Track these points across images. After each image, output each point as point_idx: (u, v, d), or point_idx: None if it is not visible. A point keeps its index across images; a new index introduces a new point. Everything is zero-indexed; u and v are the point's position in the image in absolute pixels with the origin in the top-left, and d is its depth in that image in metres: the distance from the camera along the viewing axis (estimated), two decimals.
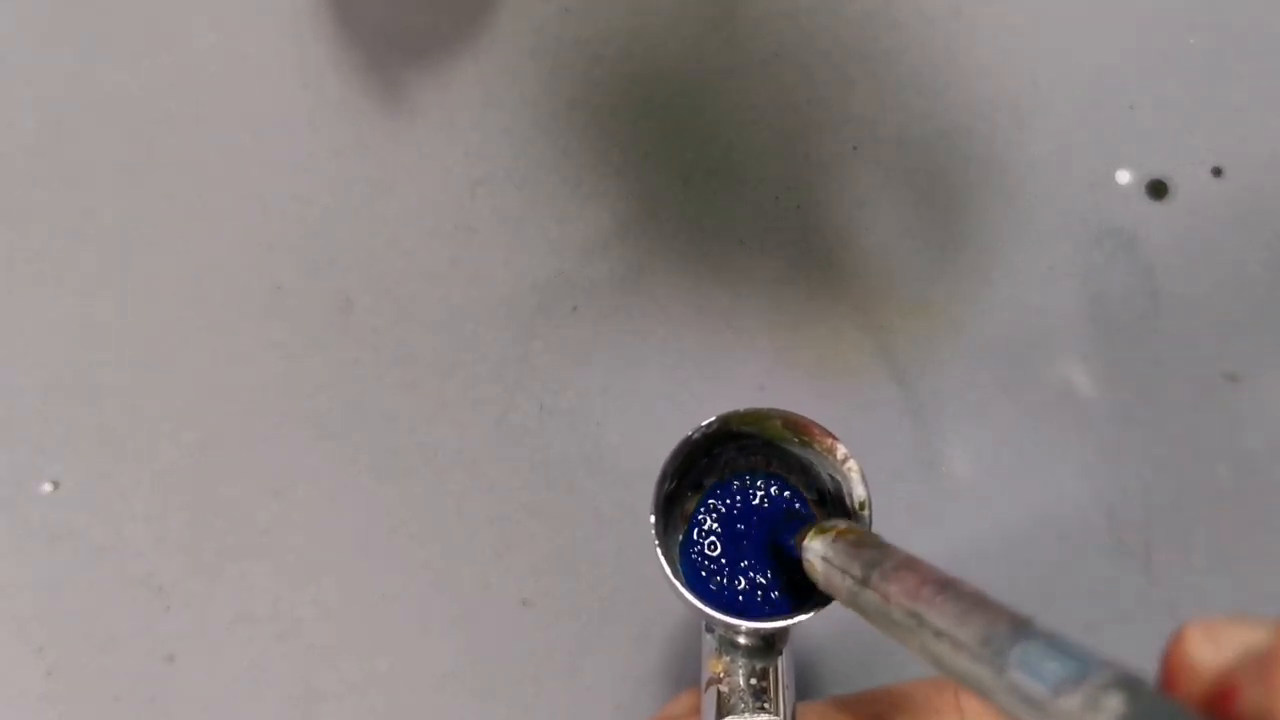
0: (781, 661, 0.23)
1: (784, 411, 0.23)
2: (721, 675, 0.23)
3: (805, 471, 0.24)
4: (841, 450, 0.23)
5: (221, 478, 0.34)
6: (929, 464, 0.34)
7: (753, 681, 0.23)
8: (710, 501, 0.24)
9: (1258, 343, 0.35)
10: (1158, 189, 0.36)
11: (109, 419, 0.35)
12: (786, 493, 0.24)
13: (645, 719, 0.29)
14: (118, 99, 0.37)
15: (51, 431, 0.34)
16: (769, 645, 0.23)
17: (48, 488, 0.34)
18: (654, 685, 0.33)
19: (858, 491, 0.22)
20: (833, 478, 0.23)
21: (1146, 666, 0.17)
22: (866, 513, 0.22)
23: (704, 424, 0.22)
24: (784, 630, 0.23)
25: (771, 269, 0.36)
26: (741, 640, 0.23)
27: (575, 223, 0.36)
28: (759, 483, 0.24)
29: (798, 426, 0.23)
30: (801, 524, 0.23)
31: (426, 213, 0.36)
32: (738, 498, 0.24)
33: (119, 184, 0.36)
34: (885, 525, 0.34)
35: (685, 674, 0.33)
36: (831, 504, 0.24)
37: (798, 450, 0.24)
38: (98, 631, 0.33)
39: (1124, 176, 0.36)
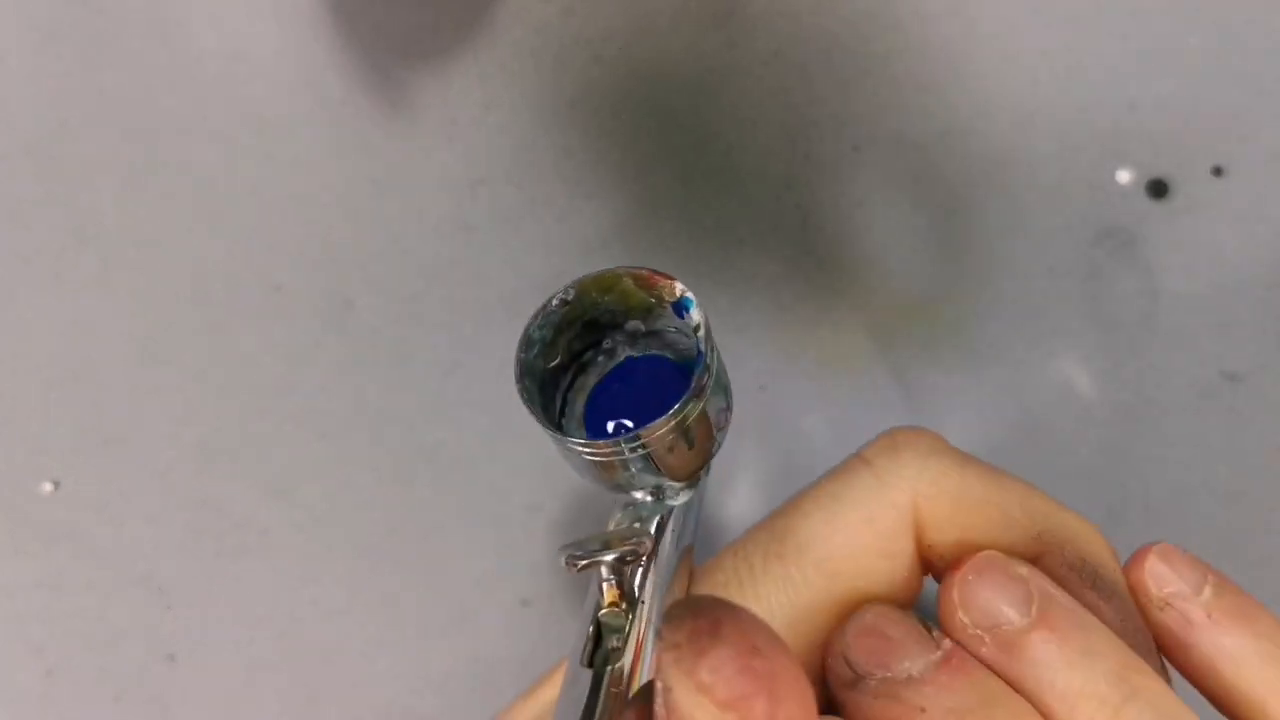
0: (675, 516, 0.24)
1: (630, 267, 0.23)
2: (612, 528, 0.24)
3: (689, 353, 0.25)
4: (679, 287, 0.23)
5: (221, 478, 0.34)
6: None
7: (635, 525, 0.23)
8: (604, 390, 0.25)
9: (1258, 343, 0.35)
10: (1158, 189, 0.36)
11: (109, 419, 0.35)
12: (672, 372, 0.25)
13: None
14: (118, 99, 0.37)
15: (51, 431, 0.34)
16: (657, 495, 0.24)
17: (48, 488, 0.34)
18: None
19: (694, 318, 0.23)
20: (678, 330, 0.24)
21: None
22: (701, 332, 0.23)
23: (561, 290, 0.23)
24: (640, 451, 0.23)
25: (771, 269, 0.36)
26: (635, 494, 0.24)
27: (575, 223, 0.36)
28: (642, 368, 0.25)
29: (644, 281, 0.23)
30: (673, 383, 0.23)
31: (426, 213, 0.36)
32: (627, 385, 0.25)
33: (119, 184, 0.36)
34: None
35: None
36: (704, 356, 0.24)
37: (667, 325, 0.24)
38: (98, 631, 0.33)
39: (1124, 176, 0.36)
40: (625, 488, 0.24)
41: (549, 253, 0.36)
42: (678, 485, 0.24)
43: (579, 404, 0.25)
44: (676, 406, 0.22)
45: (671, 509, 0.24)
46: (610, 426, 0.24)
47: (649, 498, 0.24)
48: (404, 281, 0.36)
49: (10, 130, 0.37)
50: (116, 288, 0.36)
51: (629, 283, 0.23)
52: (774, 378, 0.35)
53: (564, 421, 0.24)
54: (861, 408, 0.35)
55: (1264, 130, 0.36)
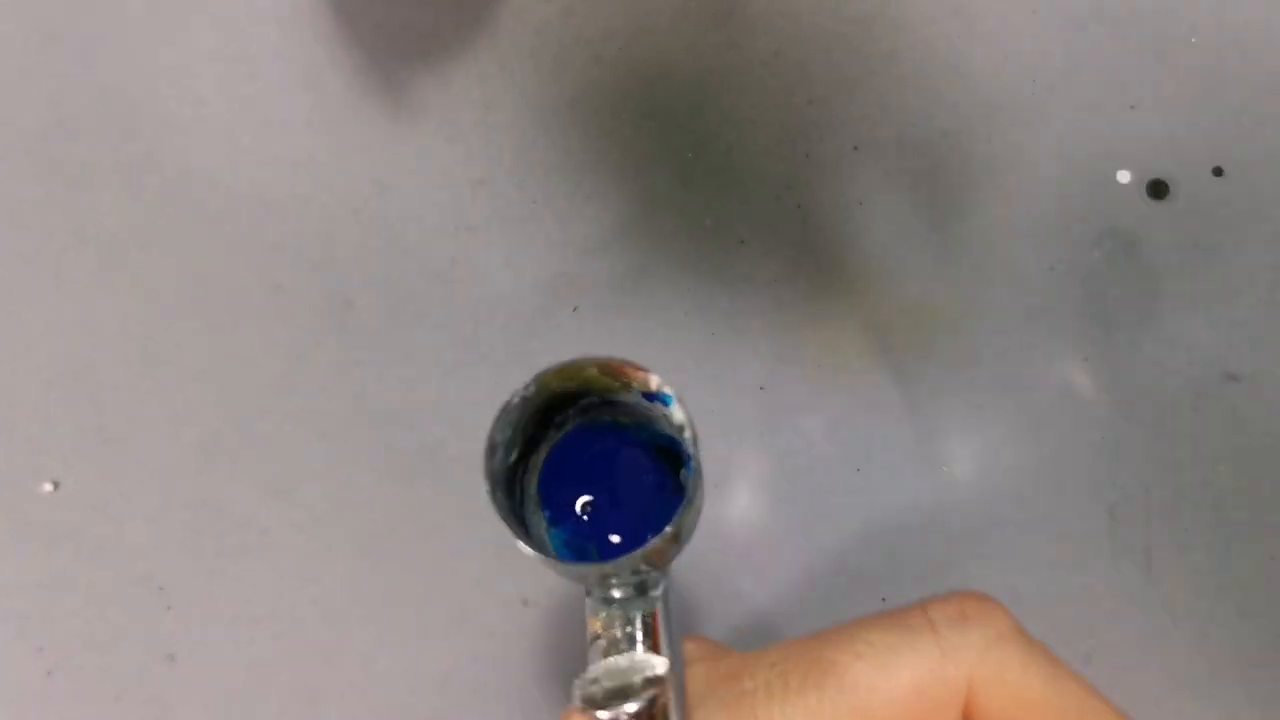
0: (660, 605, 0.23)
1: (596, 358, 0.22)
2: (600, 631, 0.23)
3: (647, 419, 0.24)
4: (655, 380, 0.22)
5: (221, 478, 0.34)
6: (929, 464, 0.34)
7: (628, 629, 0.22)
8: (556, 464, 0.24)
9: (1258, 343, 0.35)
10: (1158, 189, 0.36)
11: (109, 419, 0.35)
12: (627, 438, 0.24)
13: None
14: (118, 99, 0.37)
15: (51, 431, 0.34)
16: (640, 590, 0.23)
17: (48, 488, 0.34)
18: None
19: (675, 416, 0.22)
20: (665, 416, 0.23)
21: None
22: (688, 434, 0.22)
23: (522, 387, 0.22)
24: (637, 566, 0.22)
25: (771, 269, 0.36)
26: (615, 593, 0.23)
27: (575, 223, 0.36)
28: (596, 436, 0.24)
29: (612, 370, 0.22)
30: (649, 458, 0.22)
31: (427, 213, 0.36)
32: (581, 455, 0.24)
33: (119, 184, 0.36)
34: (886, 524, 0.34)
35: None
36: (683, 448, 0.23)
37: (629, 399, 0.23)
38: (98, 631, 0.33)
39: (1124, 176, 0.36)
40: (607, 588, 0.23)
41: (549, 253, 0.36)
42: (659, 575, 0.23)
43: (533, 483, 0.24)
44: (671, 526, 0.21)
45: (656, 600, 0.23)
46: (580, 503, 0.23)
47: (632, 592, 0.23)
48: (404, 281, 0.36)
49: (10, 130, 0.37)
50: (116, 288, 0.36)
51: (593, 371, 0.22)
52: (773, 378, 0.35)
53: (523, 506, 0.23)
54: (861, 408, 0.35)
55: (1264, 130, 0.36)
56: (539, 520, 0.24)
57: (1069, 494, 0.34)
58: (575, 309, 0.35)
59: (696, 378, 0.35)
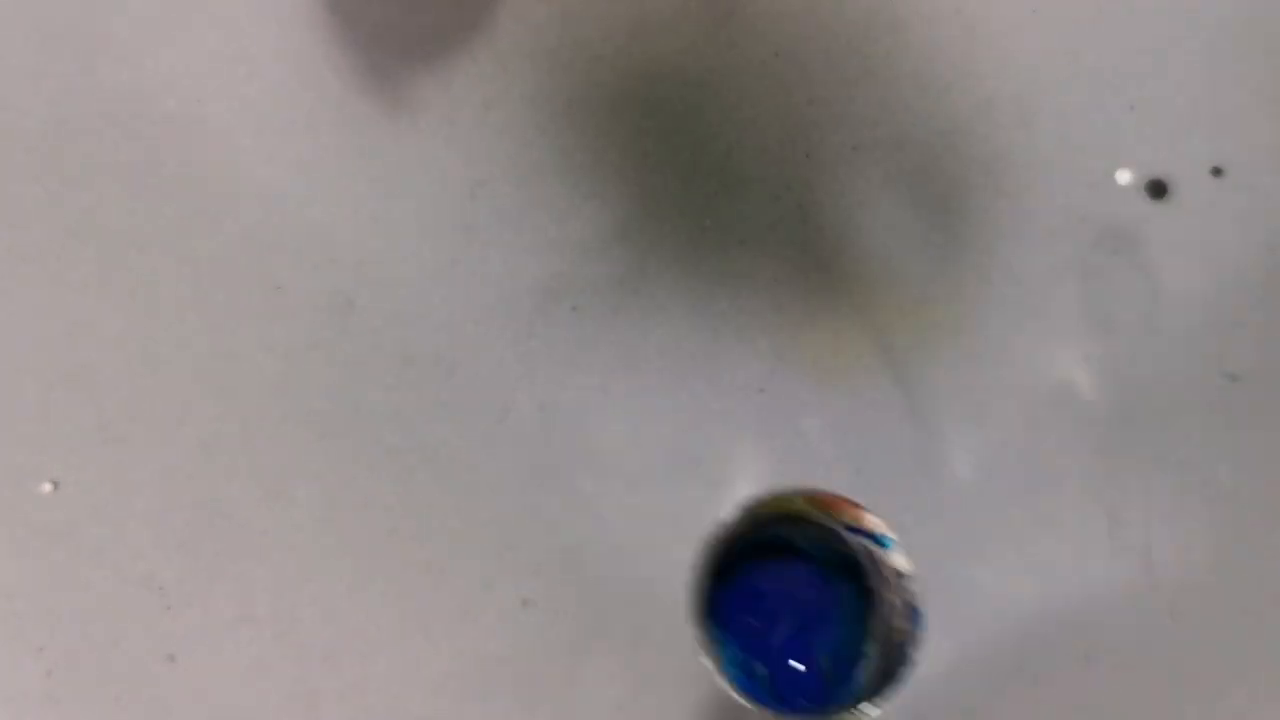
0: None
1: (806, 490, 0.21)
2: None
3: (826, 535, 0.23)
4: (873, 520, 0.21)
5: (221, 478, 0.34)
6: (929, 464, 0.34)
7: None
8: (742, 591, 0.23)
9: (1258, 343, 0.35)
10: (1158, 189, 0.36)
11: (109, 419, 0.35)
12: (816, 577, 0.23)
13: None
14: (118, 99, 0.37)
15: (51, 431, 0.34)
16: None
17: (48, 488, 0.34)
18: (654, 685, 0.33)
19: (899, 563, 0.21)
20: (867, 549, 0.22)
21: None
22: (916, 587, 0.21)
23: (730, 519, 0.21)
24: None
25: (771, 269, 0.36)
26: None
27: (575, 223, 0.36)
28: (786, 568, 0.23)
29: (822, 503, 0.22)
30: (834, 611, 0.22)
31: (426, 213, 0.36)
32: (756, 573, 0.23)
33: (119, 184, 0.36)
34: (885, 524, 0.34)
35: (685, 673, 0.33)
36: (870, 577, 0.22)
37: (829, 523, 0.22)
38: (98, 631, 0.33)
39: (1124, 176, 0.36)
40: None
41: (548, 253, 0.36)
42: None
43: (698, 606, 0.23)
44: (884, 697, 0.20)
45: None
46: (752, 620, 0.22)
47: None
48: (404, 281, 0.36)
49: (10, 130, 0.37)
50: (116, 288, 0.36)
51: (801, 502, 0.22)
52: (773, 379, 0.35)
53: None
54: (861, 409, 0.35)
55: (1264, 130, 0.36)
56: (708, 637, 0.23)
57: (1069, 494, 0.34)
58: (574, 309, 0.35)
59: (696, 378, 0.35)
